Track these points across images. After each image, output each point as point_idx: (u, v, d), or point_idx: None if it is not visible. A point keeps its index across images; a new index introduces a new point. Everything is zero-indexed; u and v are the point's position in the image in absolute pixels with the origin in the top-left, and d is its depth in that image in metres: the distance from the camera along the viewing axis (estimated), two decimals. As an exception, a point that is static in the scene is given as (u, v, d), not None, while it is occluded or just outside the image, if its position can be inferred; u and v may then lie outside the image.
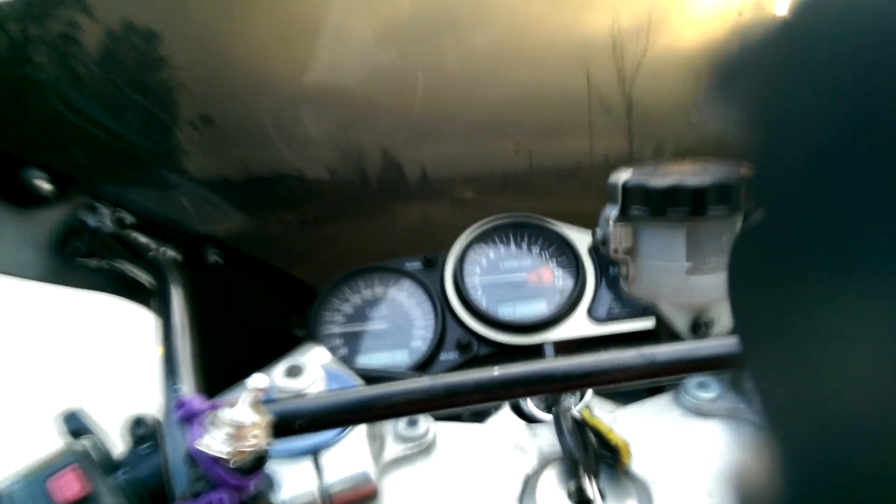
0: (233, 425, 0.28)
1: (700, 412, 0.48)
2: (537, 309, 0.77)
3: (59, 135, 0.62)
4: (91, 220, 0.63)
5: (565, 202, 0.94)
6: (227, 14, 0.69)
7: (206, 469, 0.28)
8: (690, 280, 0.53)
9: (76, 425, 0.44)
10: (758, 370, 0.19)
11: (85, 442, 0.43)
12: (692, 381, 0.49)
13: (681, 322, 0.56)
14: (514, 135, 0.88)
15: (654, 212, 0.52)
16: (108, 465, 0.42)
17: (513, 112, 0.87)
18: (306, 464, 0.39)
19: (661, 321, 0.59)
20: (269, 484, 0.37)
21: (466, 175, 0.92)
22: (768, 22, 0.17)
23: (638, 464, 0.44)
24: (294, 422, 0.32)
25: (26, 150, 0.58)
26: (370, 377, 0.63)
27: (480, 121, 0.87)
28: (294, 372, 0.41)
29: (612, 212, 0.55)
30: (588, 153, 0.89)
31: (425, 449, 0.46)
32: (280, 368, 0.41)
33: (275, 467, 0.39)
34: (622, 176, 0.55)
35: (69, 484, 0.39)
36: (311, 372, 0.41)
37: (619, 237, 0.55)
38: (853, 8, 0.15)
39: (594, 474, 0.43)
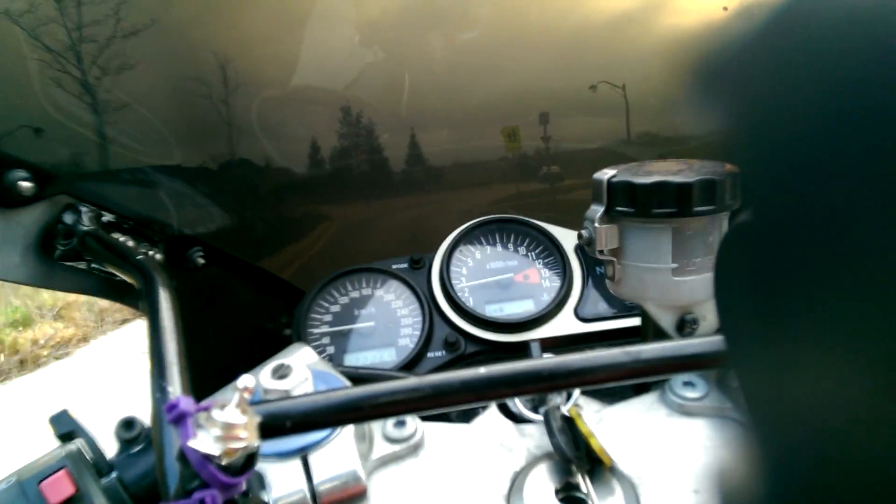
0: (222, 426, 0.28)
1: (685, 411, 0.48)
2: (524, 308, 0.78)
3: (43, 133, 0.61)
4: (76, 222, 0.62)
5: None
6: (214, 10, 0.68)
7: (198, 468, 0.28)
8: (676, 280, 0.53)
9: (67, 427, 0.44)
10: (743, 370, 0.19)
11: (77, 444, 0.43)
12: (678, 381, 0.50)
13: (666, 321, 0.57)
14: (504, 122, 0.89)
15: (639, 211, 0.52)
16: (100, 467, 0.43)
17: (505, 100, 0.87)
18: (295, 464, 0.39)
19: (646, 319, 0.59)
20: (260, 484, 0.37)
21: (454, 166, 0.92)
22: (752, 18, 0.17)
23: (624, 462, 0.44)
24: (283, 422, 0.32)
25: (10, 148, 0.57)
26: (356, 377, 0.64)
27: (469, 110, 0.87)
28: (280, 373, 0.41)
29: (597, 211, 0.55)
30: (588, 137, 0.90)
31: (413, 449, 0.46)
32: (266, 369, 0.41)
33: (264, 468, 0.39)
34: (607, 174, 0.55)
35: (61, 486, 0.39)
36: (298, 372, 0.41)
37: (604, 237, 0.55)
38: (838, 4, 0.15)
39: (587, 472, 0.43)
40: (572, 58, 0.85)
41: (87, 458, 0.43)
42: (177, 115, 0.71)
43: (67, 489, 0.39)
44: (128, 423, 0.44)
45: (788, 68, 0.16)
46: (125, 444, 0.44)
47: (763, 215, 0.17)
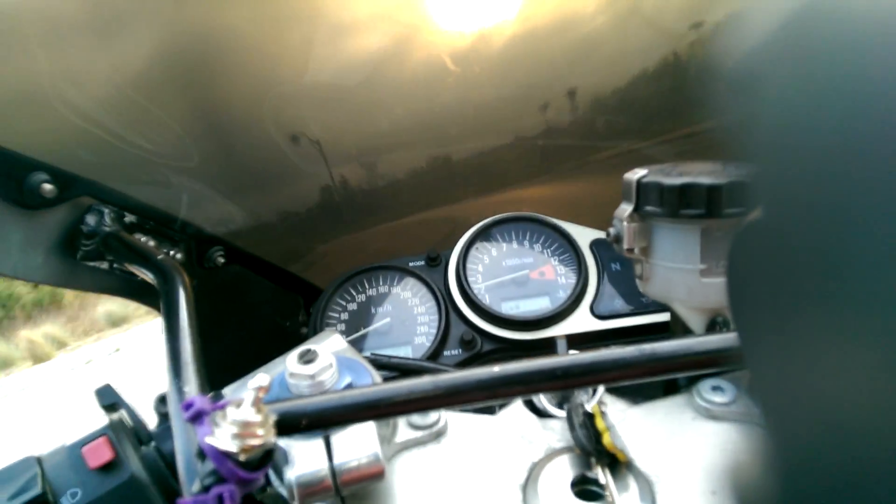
0: (239, 424, 0.29)
1: (711, 415, 0.47)
2: (540, 305, 0.78)
3: (63, 137, 0.62)
4: (98, 223, 0.64)
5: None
6: (228, 11, 0.69)
7: (217, 464, 0.29)
8: (705, 282, 0.52)
9: (110, 399, 0.48)
10: (756, 367, 0.19)
11: (119, 414, 0.47)
12: (706, 384, 0.49)
13: (696, 322, 0.56)
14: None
15: (668, 212, 0.51)
16: (139, 437, 0.47)
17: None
18: (318, 443, 0.40)
19: (676, 320, 0.58)
20: (284, 459, 0.38)
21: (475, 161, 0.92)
22: (772, 23, 0.17)
23: (643, 460, 0.44)
24: (299, 420, 0.33)
25: (32, 151, 0.58)
26: (382, 364, 0.64)
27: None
28: (307, 358, 0.42)
29: (625, 210, 0.55)
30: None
31: (435, 435, 0.46)
32: (294, 354, 0.42)
33: (288, 445, 0.39)
34: (637, 174, 0.54)
35: (100, 451, 0.44)
36: (323, 358, 0.42)
37: (633, 235, 0.54)
38: (857, 11, 0.15)
39: (608, 466, 0.43)
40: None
41: (128, 427, 0.47)
42: (194, 117, 0.72)
43: (106, 454, 0.43)
44: (164, 398, 0.47)
45: (805, 68, 0.16)
46: (163, 418, 0.48)
47: (776, 215, 0.17)
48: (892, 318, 0.13)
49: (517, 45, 0.77)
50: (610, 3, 0.77)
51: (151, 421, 0.50)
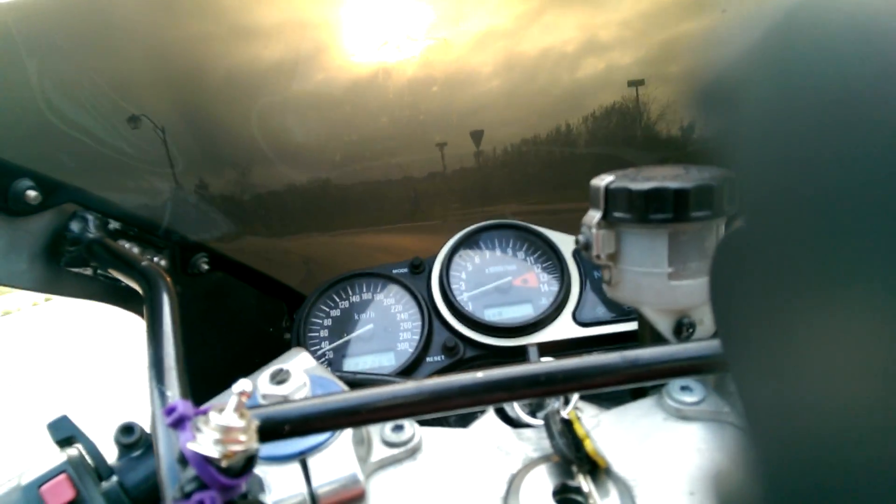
0: (221, 429, 0.29)
1: (682, 416, 0.48)
2: (523, 312, 0.78)
3: (47, 142, 0.62)
4: (83, 229, 0.63)
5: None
6: (214, 22, 0.69)
7: (198, 469, 0.29)
8: (673, 284, 0.54)
9: (66, 432, 0.45)
10: (739, 373, 0.19)
11: (76, 449, 0.44)
12: (675, 385, 0.50)
13: (664, 325, 0.57)
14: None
15: (636, 216, 0.52)
16: (100, 471, 0.43)
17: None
18: (294, 467, 0.40)
19: (644, 324, 0.59)
20: (260, 486, 0.38)
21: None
22: (754, 29, 0.17)
23: (620, 465, 0.45)
24: (282, 426, 0.33)
25: (17, 158, 0.58)
26: (354, 382, 0.64)
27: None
28: (279, 378, 0.42)
29: (594, 216, 0.55)
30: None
31: (411, 452, 0.46)
32: (265, 374, 0.42)
33: (264, 471, 0.39)
34: (605, 180, 0.55)
35: (60, 490, 0.40)
36: (296, 377, 0.42)
37: (601, 242, 0.55)
38: (838, 18, 0.15)
39: (588, 473, 0.44)
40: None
41: (87, 462, 0.43)
42: (179, 124, 0.72)
43: (67, 494, 0.40)
44: (127, 429, 0.45)
45: (787, 78, 0.16)
46: (124, 449, 0.45)
47: (761, 222, 0.17)
48: (882, 319, 0.14)
49: (417, 85, 0.80)
50: (507, 69, 0.80)
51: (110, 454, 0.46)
